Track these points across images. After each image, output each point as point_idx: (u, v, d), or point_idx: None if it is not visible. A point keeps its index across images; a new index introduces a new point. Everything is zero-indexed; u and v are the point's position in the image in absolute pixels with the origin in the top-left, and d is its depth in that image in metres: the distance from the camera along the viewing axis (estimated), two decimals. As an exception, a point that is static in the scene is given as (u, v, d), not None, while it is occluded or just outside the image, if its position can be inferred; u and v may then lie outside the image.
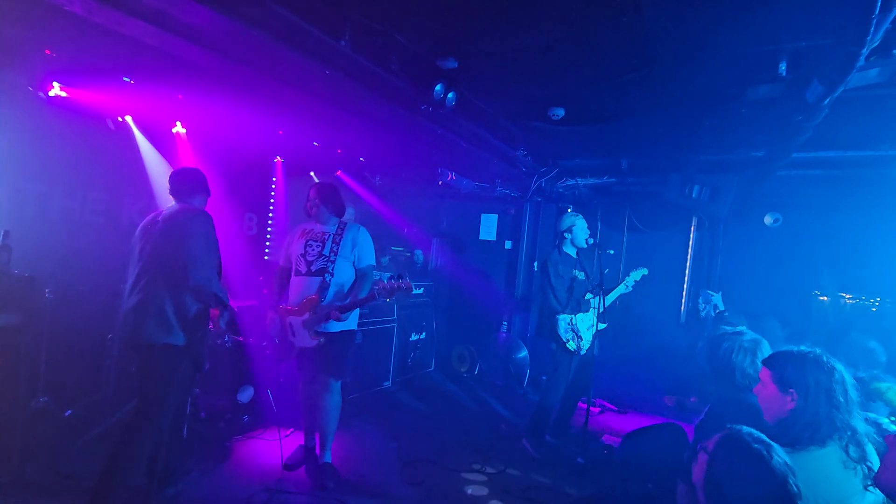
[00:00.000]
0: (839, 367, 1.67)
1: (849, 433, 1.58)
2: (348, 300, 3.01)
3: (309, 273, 3.04)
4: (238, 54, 2.81)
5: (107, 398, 3.57)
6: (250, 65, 2.91)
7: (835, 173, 4.16)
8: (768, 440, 1.36)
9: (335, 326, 3.00)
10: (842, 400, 1.59)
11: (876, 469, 1.49)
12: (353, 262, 3.11)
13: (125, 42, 2.68)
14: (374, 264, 3.18)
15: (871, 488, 1.50)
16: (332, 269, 3.02)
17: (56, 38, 2.92)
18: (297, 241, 3.15)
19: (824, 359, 1.68)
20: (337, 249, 3.05)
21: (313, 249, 3.08)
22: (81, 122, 3.79)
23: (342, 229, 3.13)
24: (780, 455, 1.32)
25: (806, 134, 3.05)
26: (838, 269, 4.50)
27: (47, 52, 3.10)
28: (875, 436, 1.65)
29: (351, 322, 3.08)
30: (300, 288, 3.05)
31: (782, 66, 2.68)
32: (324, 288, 2.99)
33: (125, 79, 3.44)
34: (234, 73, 3.17)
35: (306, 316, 2.98)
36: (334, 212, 3.17)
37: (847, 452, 1.56)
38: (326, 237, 3.10)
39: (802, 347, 1.75)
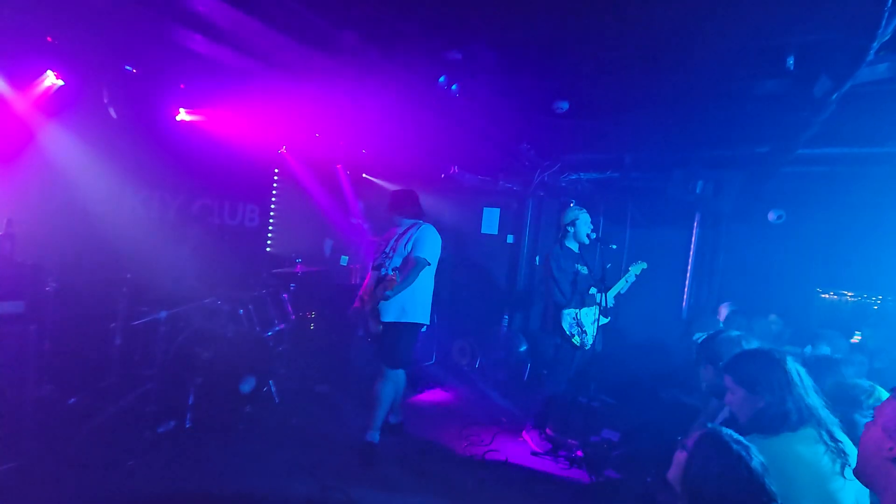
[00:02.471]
0: (788, 356, 1.76)
1: (817, 417, 1.64)
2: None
3: (374, 268, 3.39)
4: (241, 43, 2.79)
5: (111, 386, 3.58)
6: (253, 54, 2.90)
7: (839, 170, 4.13)
8: (746, 441, 1.39)
9: (388, 316, 3.20)
10: (798, 382, 1.68)
11: (851, 457, 1.54)
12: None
13: (127, 32, 2.67)
14: (425, 257, 3.23)
15: (849, 477, 1.52)
16: (388, 264, 3.26)
17: (57, 24, 2.91)
18: (380, 240, 3.48)
19: (775, 353, 1.77)
20: (396, 247, 3.29)
21: (381, 248, 3.40)
22: (82, 113, 3.78)
23: (409, 228, 3.35)
24: (757, 456, 1.35)
25: (812, 129, 3.04)
26: (841, 266, 4.48)
27: (49, 39, 3.09)
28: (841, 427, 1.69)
29: (407, 315, 3.22)
30: (368, 282, 3.44)
31: (790, 61, 2.66)
32: (380, 281, 3.24)
33: (127, 68, 3.43)
34: (236, 63, 3.16)
35: (370, 306, 3.28)
36: (407, 215, 3.40)
37: (822, 437, 1.60)
38: (393, 236, 3.37)
39: (752, 347, 1.86)
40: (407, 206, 3.41)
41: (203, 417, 3.44)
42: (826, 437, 1.59)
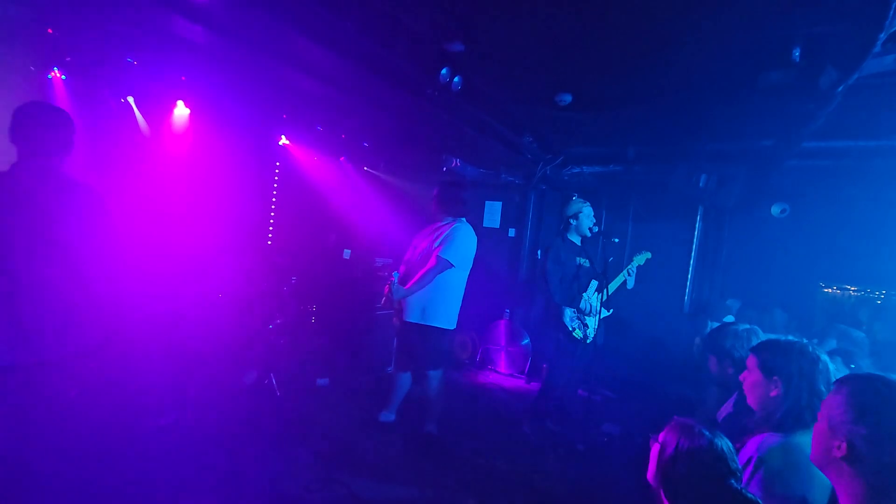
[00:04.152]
0: (824, 357, 1.70)
1: None
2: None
3: (405, 263, 3.33)
4: (241, 34, 2.77)
5: (111, 379, 3.59)
6: (253, 45, 2.88)
7: (844, 163, 4.09)
8: (712, 429, 1.41)
9: (409, 316, 3.16)
10: (823, 389, 1.63)
11: None
12: None
13: (129, 22, 2.65)
14: (447, 259, 3.10)
15: None
16: (415, 262, 3.22)
17: (60, 16, 2.89)
18: (417, 236, 3.41)
19: (809, 349, 1.71)
20: (430, 248, 3.17)
21: (420, 242, 3.28)
22: (84, 104, 3.76)
23: (447, 226, 3.22)
24: (724, 440, 1.38)
25: (817, 122, 3.01)
26: (844, 261, 4.46)
27: (49, 31, 3.07)
28: None
29: (427, 317, 3.15)
30: (401, 276, 3.35)
31: (796, 52, 2.63)
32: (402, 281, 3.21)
33: (129, 59, 3.41)
34: (237, 54, 3.13)
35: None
36: (448, 212, 3.28)
37: None
38: (430, 234, 3.26)
39: (790, 337, 1.79)
40: (448, 203, 3.27)
41: (204, 410, 3.45)
42: None
